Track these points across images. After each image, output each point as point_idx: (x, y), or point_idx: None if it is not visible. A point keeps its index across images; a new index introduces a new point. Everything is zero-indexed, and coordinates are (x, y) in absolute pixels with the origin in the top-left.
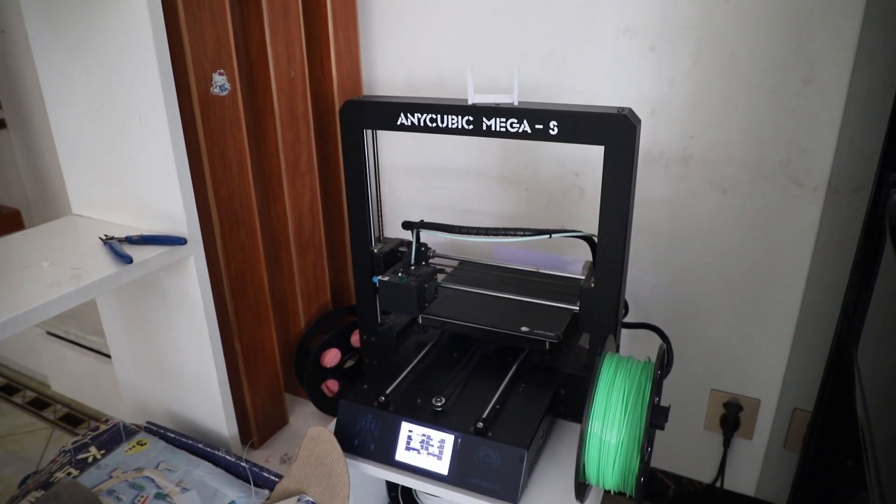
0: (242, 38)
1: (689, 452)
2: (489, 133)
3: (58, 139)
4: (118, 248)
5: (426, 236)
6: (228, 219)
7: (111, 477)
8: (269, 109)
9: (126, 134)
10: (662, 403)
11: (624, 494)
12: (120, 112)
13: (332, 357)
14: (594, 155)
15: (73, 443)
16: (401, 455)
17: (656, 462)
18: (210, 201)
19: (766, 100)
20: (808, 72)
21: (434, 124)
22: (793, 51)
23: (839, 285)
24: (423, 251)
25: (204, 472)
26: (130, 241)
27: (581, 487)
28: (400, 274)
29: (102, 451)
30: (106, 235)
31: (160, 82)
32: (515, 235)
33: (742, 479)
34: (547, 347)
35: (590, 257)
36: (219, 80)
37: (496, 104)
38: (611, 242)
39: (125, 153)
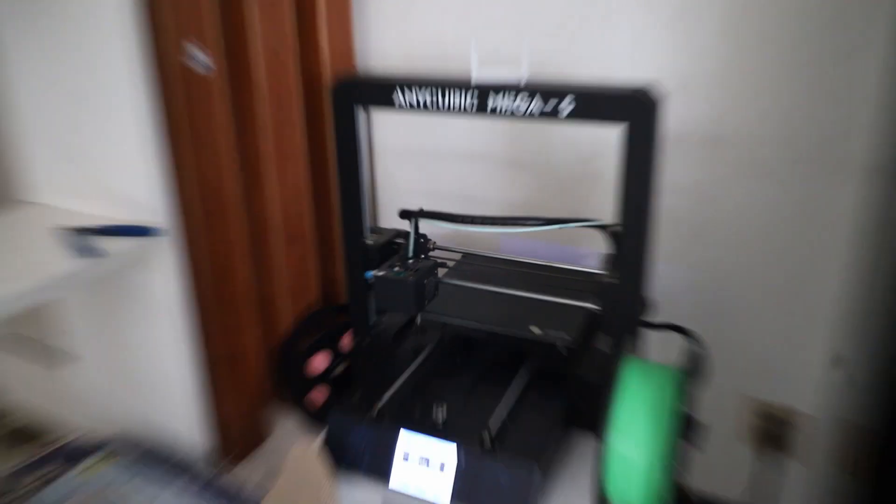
0: (225, 8)
1: (717, 468)
2: (495, 113)
3: (9, 116)
4: (81, 240)
5: (426, 226)
6: (207, 207)
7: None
8: (254, 87)
9: (91, 110)
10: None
11: None
12: (83, 85)
13: (320, 362)
14: (612, 136)
15: (26, 462)
16: (397, 473)
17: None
18: (187, 188)
19: (804, 74)
20: (850, 44)
21: (434, 103)
22: (832, 20)
23: (889, 279)
24: (423, 243)
25: (174, 493)
26: (95, 232)
27: None
28: (396, 268)
29: (59, 471)
30: (66, 226)
31: (131, 49)
32: (525, 225)
33: (780, 501)
34: (561, 350)
35: (607, 250)
36: (197, 54)
37: (503, 81)
38: (632, 233)
39: (89, 132)
